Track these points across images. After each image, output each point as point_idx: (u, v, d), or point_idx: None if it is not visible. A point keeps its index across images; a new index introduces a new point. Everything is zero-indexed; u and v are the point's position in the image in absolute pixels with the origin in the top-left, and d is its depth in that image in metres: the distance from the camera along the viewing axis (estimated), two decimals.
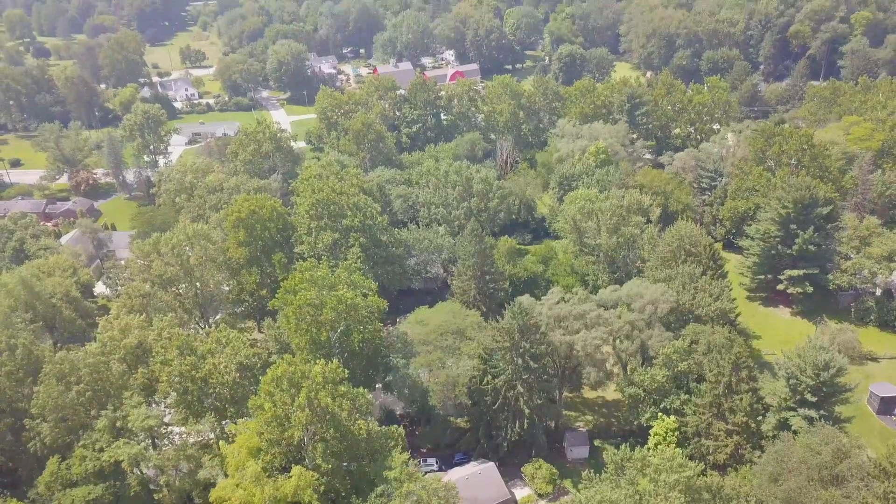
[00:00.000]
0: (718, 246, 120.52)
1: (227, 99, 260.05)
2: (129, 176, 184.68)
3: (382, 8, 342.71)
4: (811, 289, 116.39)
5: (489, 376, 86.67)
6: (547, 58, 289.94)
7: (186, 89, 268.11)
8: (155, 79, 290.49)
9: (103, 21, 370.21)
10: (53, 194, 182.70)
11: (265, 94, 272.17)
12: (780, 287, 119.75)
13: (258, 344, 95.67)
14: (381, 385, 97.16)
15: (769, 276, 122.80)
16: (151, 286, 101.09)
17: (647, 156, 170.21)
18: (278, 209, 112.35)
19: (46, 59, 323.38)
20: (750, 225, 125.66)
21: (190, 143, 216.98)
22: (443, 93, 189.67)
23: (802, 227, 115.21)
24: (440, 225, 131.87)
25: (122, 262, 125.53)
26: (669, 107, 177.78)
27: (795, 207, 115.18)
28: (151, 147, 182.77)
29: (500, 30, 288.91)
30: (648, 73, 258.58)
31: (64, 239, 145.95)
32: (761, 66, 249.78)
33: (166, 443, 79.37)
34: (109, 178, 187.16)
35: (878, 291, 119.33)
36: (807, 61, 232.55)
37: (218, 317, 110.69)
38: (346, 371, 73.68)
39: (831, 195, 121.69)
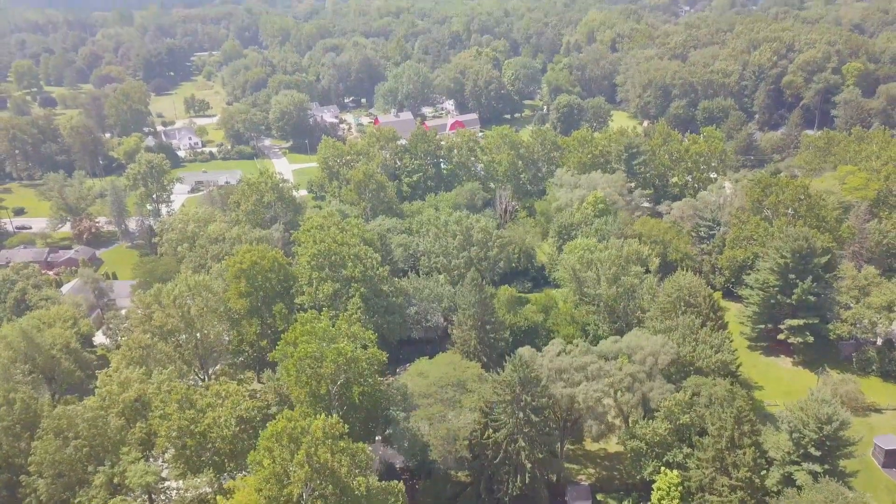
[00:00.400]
0: (718, 295, 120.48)
1: (229, 147, 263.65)
2: (132, 224, 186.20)
3: (383, 59, 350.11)
4: (812, 338, 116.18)
5: (490, 430, 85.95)
6: (545, 107, 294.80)
7: (190, 138, 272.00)
8: (159, 128, 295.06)
9: (110, 71, 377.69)
10: (56, 243, 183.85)
11: (267, 142, 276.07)
12: (781, 336, 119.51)
13: (257, 394, 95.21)
14: (380, 438, 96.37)
15: (769, 326, 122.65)
16: (151, 337, 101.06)
17: (646, 204, 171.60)
18: (279, 260, 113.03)
19: (53, 108, 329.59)
20: (749, 274, 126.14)
21: (192, 191, 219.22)
22: (443, 143, 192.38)
23: (801, 276, 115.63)
24: (440, 274, 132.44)
25: (123, 313, 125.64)
26: (666, 156, 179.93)
27: (794, 257, 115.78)
28: (154, 196, 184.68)
29: (498, 80, 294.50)
30: (645, 122, 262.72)
31: (65, 288, 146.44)
32: (756, 116, 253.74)
33: (163, 498, 78.37)
34: (112, 226, 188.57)
35: (879, 341, 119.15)
36: (801, 111, 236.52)
37: (217, 367, 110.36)
38: (346, 426, 73.18)
39: (829, 245, 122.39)
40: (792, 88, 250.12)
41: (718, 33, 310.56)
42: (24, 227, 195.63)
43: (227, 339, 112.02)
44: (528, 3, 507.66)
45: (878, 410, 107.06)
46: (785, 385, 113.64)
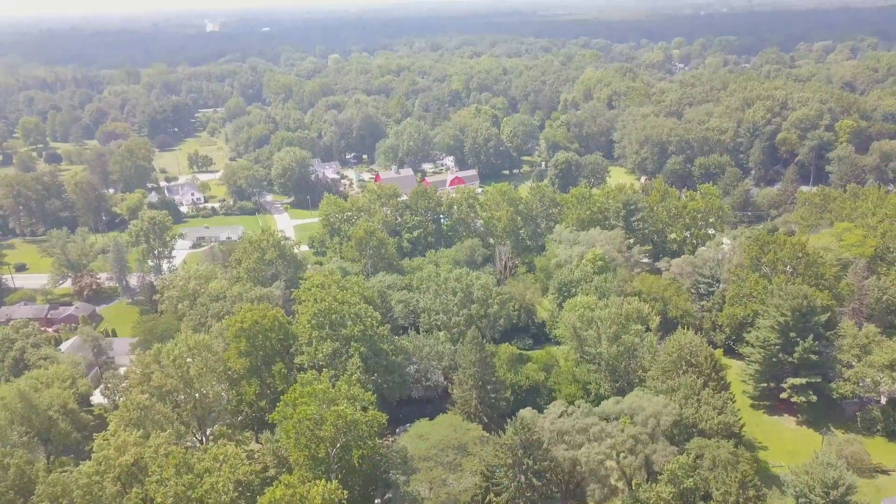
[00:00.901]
0: (719, 352, 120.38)
1: (231, 203, 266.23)
2: (133, 280, 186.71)
3: (384, 116, 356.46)
4: (815, 398, 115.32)
5: (492, 494, 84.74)
6: (543, 163, 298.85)
7: (193, 194, 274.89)
8: (162, 183, 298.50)
9: (115, 128, 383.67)
10: (56, 299, 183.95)
11: (269, 198, 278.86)
12: (784, 395, 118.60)
13: (255, 455, 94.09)
14: (380, 501, 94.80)
15: (772, 384, 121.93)
16: (149, 398, 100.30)
17: (645, 260, 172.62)
18: (280, 319, 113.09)
19: (58, 164, 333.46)
20: (749, 331, 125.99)
21: (194, 246, 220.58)
22: (443, 199, 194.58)
23: (802, 334, 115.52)
24: (441, 331, 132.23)
25: (122, 372, 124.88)
26: (665, 212, 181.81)
27: (793, 315, 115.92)
28: (156, 252, 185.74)
29: (497, 137, 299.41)
30: (643, 178, 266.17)
31: (64, 346, 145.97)
32: (752, 172, 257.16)
33: None
34: (113, 282, 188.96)
35: (883, 400, 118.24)
36: (796, 167, 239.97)
37: (215, 427, 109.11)
38: (345, 492, 72.20)
39: (828, 302, 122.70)
40: (786, 145, 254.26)
41: (712, 91, 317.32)
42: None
43: (225, 398, 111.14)
44: (526, 62, 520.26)
45: (884, 472, 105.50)
46: (789, 445, 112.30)
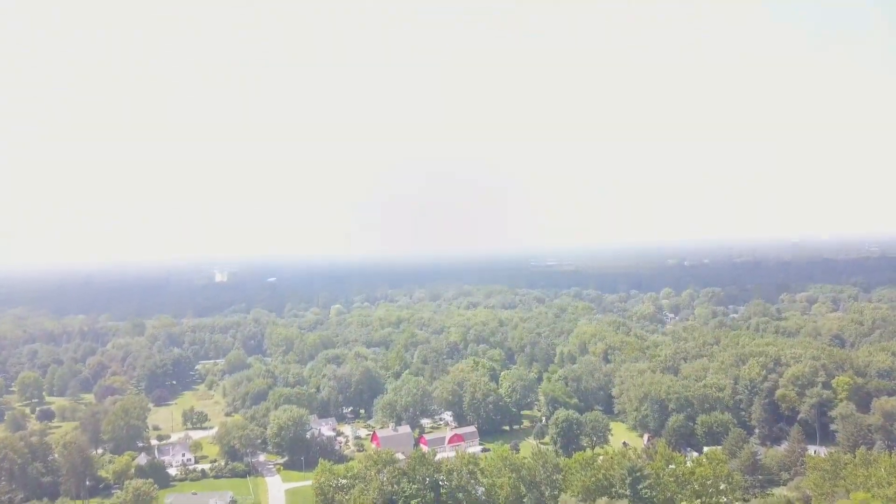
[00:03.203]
0: None
1: (223, 465, 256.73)
2: None
3: (383, 369, 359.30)
4: None
5: None
6: (544, 418, 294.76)
7: (184, 454, 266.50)
8: (154, 442, 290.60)
9: (113, 382, 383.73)
10: None
11: (262, 458, 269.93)
12: None
13: None
14: None
15: None
16: None
17: None
18: None
19: (49, 421, 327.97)
20: None
21: None
22: (442, 466, 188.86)
23: None
24: None
25: None
26: (672, 479, 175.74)
27: None
28: None
29: (496, 393, 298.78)
30: (646, 436, 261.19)
31: None
32: (756, 430, 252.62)
33: None
34: None
35: None
36: (800, 425, 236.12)
37: None
38: None
39: None
40: (786, 402, 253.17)
41: (705, 346, 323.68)
42: None
43: None
44: (521, 314, 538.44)
45: None
46: None
